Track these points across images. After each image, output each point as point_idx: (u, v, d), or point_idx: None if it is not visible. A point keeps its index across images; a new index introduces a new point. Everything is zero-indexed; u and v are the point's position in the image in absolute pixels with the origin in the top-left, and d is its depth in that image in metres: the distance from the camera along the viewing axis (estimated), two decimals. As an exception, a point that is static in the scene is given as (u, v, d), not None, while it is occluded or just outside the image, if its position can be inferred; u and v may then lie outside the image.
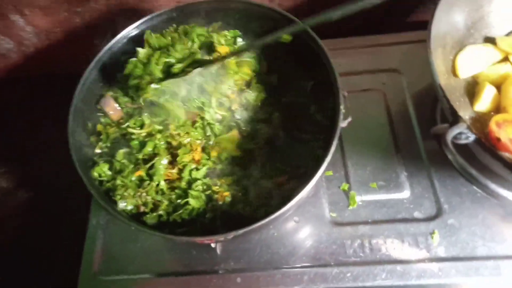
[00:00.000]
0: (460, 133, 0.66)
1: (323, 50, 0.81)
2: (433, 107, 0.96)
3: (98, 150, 0.86)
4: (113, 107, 0.88)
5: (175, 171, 0.80)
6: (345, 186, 0.90)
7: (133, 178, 0.80)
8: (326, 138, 0.76)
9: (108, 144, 0.86)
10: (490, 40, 0.92)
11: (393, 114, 0.98)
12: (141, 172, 0.80)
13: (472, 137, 0.67)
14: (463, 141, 0.66)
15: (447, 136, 0.65)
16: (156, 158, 0.80)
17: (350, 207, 0.88)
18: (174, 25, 0.91)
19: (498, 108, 0.86)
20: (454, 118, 0.67)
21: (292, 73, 0.92)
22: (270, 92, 0.90)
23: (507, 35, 0.93)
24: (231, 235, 0.68)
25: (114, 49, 0.88)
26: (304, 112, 0.87)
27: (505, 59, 0.90)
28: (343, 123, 0.75)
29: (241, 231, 0.67)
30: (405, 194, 0.88)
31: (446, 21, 0.83)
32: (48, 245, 1.32)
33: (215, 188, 0.79)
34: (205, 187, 0.79)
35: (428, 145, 0.93)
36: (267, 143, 0.85)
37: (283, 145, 0.85)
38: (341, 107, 0.74)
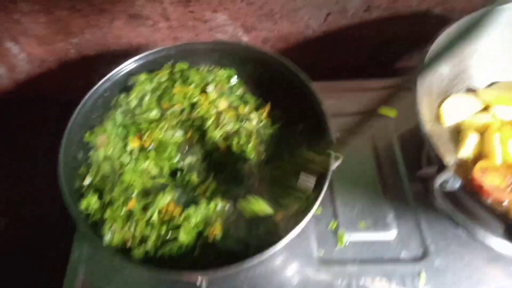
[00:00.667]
0: (446, 181, 0.68)
1: (314, 94, 0.83)
2: (419, 149, 0.99)
3: (87, 182, 0.85)
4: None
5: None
6: (333, 224, 0.91)
7: (123, 211, 0.78)
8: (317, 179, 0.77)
9: (98, 177, 0.85)
10: (473, 91, 0.97)
11: (381, 155, 1.00)
12: (133, 204, 0.79)
13: (457, 185, 0.70)
14: (449, 188, 0.68)
15: (435, 183, 0.68)
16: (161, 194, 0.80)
17: (338, 246, 0.89)
18: (170, 63, 0.94)
19: (481, 155, 0.89)
20: (441, 166, 0.70)
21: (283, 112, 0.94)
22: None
23: (488, 86, 0.99)
24: (219, 273, 0.67)
25: (111, 80, 0.89)
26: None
27: (486, 108, 0.95)
28: (333, 166, 0.76)
29: (230, 270, 0.67)
30: (392, 234, 0.89)
31: (432, 72, 0.87)
32: (25, 278, 1.27)
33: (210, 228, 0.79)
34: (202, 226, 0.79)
35: (414, 186, 0.95)
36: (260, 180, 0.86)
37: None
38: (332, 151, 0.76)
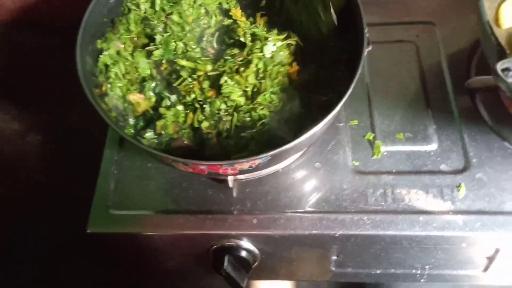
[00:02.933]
0: (507, 68, 0.63)
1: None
2: (468, 62, 0.92)
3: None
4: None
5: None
6: (370, 136, 0.88)
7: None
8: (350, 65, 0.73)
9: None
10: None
11: (425, 67, 0.94)
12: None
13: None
14: (510, 79, 0.63)
15: (497, 66, 0.62)
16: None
17: (374, 157, 0.85)
18: None
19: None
20: (501, 55, 0.64)
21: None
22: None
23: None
24: (258, 159, 0.65)
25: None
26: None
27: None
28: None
29: (271, 153, 0.64)
30: (433, 146, 0.85)
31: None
32: (61, 181, 1.32)
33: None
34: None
35: (460, 100, 0.89)
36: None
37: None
38: (365, 31, 0.71)
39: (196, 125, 0.78)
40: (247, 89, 0.77)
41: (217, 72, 0.80)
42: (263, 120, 0.75)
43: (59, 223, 1.25)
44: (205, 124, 0.77)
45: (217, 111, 0.76)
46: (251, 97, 0.77)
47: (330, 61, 0.82)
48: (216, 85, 0.79)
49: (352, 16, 0.75)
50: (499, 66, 0.62)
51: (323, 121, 0.66)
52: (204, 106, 0.77)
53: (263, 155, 0.64)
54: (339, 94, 0.69)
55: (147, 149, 0.72)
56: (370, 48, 0.75)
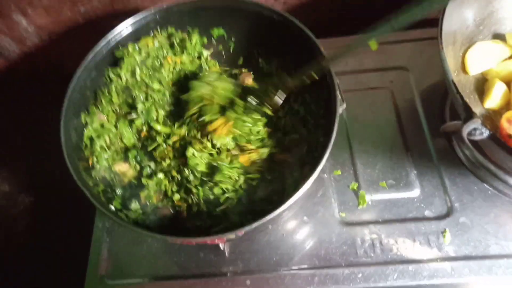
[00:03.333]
0: (474, 129, 0.65)
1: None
2: (442, 104, 0.95)
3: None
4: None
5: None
6: (354, 185, 0.89)
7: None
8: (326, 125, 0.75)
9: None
10: (500, 37, 0.91)
11: (402, 112, 0.97)
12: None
13: (486, 133, 0.66)
14: (477, 137, 0.65)
15: (463, 131, 0.64)
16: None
17: (360, 207, 0.87)
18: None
19: (508, 105, 0.85)
20: (468, 114, 0.66)
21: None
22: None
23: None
24: (243, 230, 0.66)
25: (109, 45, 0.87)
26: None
27: (515, 55, 0.89)
28: (339, 109, 0.74)
29: (255, 224, 0.66)
30: (415, 193, 0.87)
31: (456, 18, 0.82)
32: (53, 248, 1.31)
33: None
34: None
35: (437, 143, 0.92)
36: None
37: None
38: (337, 92, 0.74)
39: (169, 194, 0.81)
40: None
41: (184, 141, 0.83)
42: (227, 195, 0.78)
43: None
44: (176, 197, 0.80)
45: (186, 182, 0.80)
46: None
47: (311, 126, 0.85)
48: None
49: (325, 82, 0.78)
50: (465, 131, 0.64)
51: (296, 194, 0.67)
52: (173, 175, 0.80)
53: (244, 228, 0.66)
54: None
55: (127, 225, 0.73)
56: (344, 106, 0.78)
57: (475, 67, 0.87)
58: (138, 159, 0.85)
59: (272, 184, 0.80)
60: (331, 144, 0.70)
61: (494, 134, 0.66)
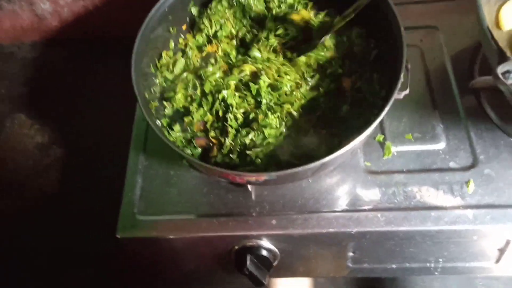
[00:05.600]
0: (508, 71, 0.66)
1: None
2: (471, 63, 0.96)
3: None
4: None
5: None
6: (380, 137, 0.92)
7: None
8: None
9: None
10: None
11: (430, 70, 0.98)
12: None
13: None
14: (510, 81, 0.66)
15: (498, 70, 0.66)
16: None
17: (385, 157, 0.90)
18: None
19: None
20: (502, 58, 0.68)
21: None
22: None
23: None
24: (282, 173, 0.70)
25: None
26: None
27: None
28: (399, 95, 0.76)
29: (294, 170, 0.69)
30: (441, 145, 0.89)
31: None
32: (86, 195, 1.37)
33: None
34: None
35: (465, 100, 0.93)
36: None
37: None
38: (401, 75, 0.75)
39: (208, 127, 0.85)
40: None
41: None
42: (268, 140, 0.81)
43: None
44: (211, 134, 0.83)
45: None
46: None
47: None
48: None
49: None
50: (500, 70, 0.65)
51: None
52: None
53: (269, 173, 0.71)
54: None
55: (173, 146, 0.76)
56: (407, 92, 0.80)
57: (509, 22, 0.87)
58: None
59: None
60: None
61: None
